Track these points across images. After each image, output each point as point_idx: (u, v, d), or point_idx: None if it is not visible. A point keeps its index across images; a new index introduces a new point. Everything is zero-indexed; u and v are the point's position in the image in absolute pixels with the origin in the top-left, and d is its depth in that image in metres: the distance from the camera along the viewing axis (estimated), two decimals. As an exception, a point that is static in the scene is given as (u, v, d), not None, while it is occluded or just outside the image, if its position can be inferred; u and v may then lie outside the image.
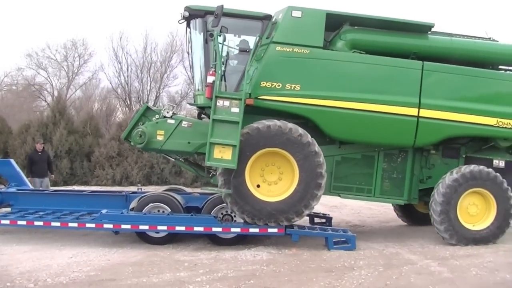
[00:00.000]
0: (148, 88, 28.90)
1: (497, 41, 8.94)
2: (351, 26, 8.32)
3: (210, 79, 7.59)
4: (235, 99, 7.38)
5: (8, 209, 9.01)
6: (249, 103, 7.61)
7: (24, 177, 10.31)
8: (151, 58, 28.93)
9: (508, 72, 8.99)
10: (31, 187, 10.39)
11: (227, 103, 7.40)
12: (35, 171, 11.74)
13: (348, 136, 8.25)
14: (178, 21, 8.45)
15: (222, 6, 7.56)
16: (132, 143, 8.27)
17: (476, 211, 8.16)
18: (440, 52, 8.45)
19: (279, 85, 7.85)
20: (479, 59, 8.57)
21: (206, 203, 8.30)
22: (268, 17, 8.23)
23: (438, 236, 8.30)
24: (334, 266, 6.78)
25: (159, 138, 8.16)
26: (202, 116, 8.88)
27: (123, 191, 9.72)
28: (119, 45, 28.96)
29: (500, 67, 9.04)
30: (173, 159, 9.39)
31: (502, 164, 8.60)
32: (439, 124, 8.07)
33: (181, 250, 7.75)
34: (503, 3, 44.70)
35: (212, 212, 8.13)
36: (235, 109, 7.36)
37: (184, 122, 8.24)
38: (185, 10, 8.25)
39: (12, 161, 10.41)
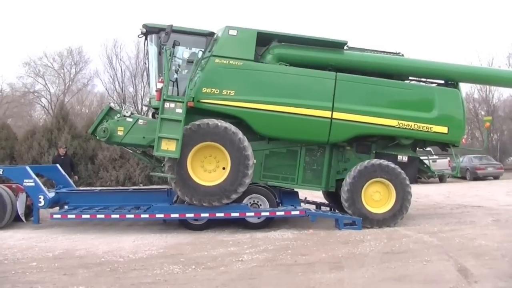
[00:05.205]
0: (142, 93, 29.68)
1: (403, 55, 10.41)
2: (278, 42, 9.77)
3: (159, 85, 9.06)
4: (179, 101, 8.83)
5: (66, 207, 9.93)
6: (190, 106, 9.04)
7: (69, 179, 11.54)
8: (143, 64, 30.21)
9: (412, 82, 10.46)
10: (75, 187, 11.64)
11: (172, 105, 8.83)
12: None
13: (274, 134, 9.67)
14: (138, 36, 9.94)
15: (172, 25, 9.07)
16: (97, 137, 9.81)
17: (379, 198, 9.61)
18: (352, 64, 9.90)
19: (217, 91, 9.30)
20: (387, 71, 10.02)
21: None
22: (211, 34, 9.69)
23: (427, 219, 9.83)
24: (349, 240, 8.31)
25: (119, 133, 9.63)
26: (156, 115, 10.02)
27: (165, 187, 11.06)
28: (113, 52, 30.19)
29: (410, 78, 10.50)
30: (131, 151, 10.86)
31: (405, 159, 10.05)
32: (348, 125, 9.51)
33: (220, 233, 9.16)
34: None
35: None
36: (179, 110, 8.77)
37: (140, 121, 9.75)
38: (142, 27, 9.67)
39: (58, 166, 11.61)
